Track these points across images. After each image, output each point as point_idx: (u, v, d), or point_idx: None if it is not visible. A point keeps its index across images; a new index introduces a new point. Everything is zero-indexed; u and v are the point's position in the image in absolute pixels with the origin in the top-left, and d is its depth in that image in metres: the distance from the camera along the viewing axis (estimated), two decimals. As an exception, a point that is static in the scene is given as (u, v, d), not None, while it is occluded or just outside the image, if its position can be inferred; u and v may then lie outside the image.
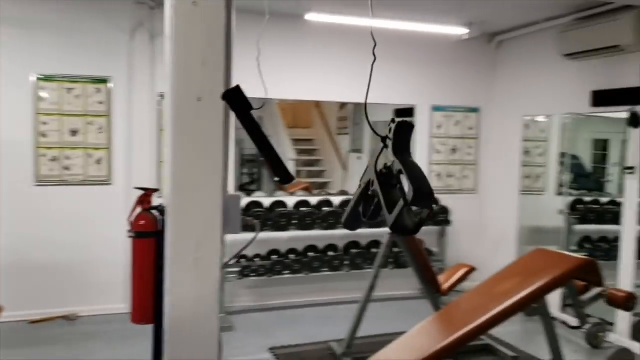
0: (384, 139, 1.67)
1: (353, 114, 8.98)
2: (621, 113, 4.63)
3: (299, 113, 10.16)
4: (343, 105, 8.87)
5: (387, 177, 1.67)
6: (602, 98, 4.85)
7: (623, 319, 4.61)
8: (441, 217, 5.85)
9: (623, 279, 4.58)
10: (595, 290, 3.55)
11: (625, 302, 3.34)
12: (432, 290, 4.21)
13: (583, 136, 5.96)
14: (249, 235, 2.43)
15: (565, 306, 5.18)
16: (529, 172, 6.03)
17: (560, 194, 6.00)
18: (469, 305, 3.42)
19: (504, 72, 6.10)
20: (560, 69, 5.24)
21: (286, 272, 5.46)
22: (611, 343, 4.51)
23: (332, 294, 5.68)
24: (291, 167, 8.61)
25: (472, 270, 4.42)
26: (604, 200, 5.93)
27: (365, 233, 5.66)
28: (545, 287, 3.24)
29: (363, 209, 1.73)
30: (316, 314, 5.36)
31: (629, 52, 4.45)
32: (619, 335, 4.61)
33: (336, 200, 5.69)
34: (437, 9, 4.92)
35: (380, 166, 1.74)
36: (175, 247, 1.86)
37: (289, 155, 8.87)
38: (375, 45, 2.03)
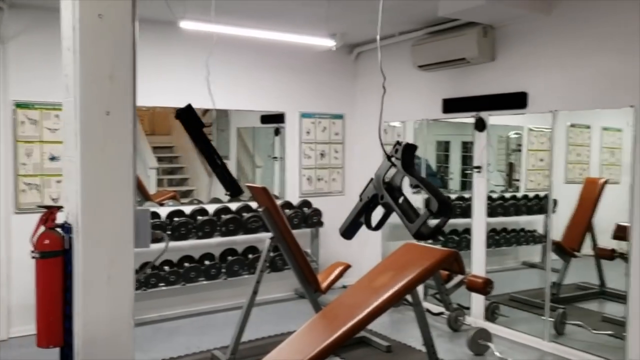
0: (389, 158, 1.82)
1: (216, 121, 8.96)
2: (467, 118, 5.21)
3: (157, 119, 9.88)
4: (206, 111, 8.80)
5: (391, 191, 1.82)
6: (451, 105, 5.39)
7: (478, 303, 5.16)
8: (314, 219, 6.09)
9: (476, 267, 5.12)
10: (457, 278, 3.96)
11: (484, 286, 3.77)
12: (312, 290, 4.39)
13: (429, 139, 6.50)
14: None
15: (427, 295, 5.67)
16: (389, 173, 6.50)
17: (416, 192, 6.54)
18: (350, 300, 3.63)
19: (364, 81, 6.51)
20: (415, 79, 5.72)
21: (161, 284, 5.34)
22: (469, 325, 5.01)
23: (210, 303, 5.66)
24: (153, 175, 8.37)
25: (347, 267, 4.68)
26: (453, 196, 6.56)
27: (241, 239, 5.72)
28: (418, 278, 3.54)
29: (366, 220, 1.88)
30: (195, 324, 5.31)
31: (474, 64, 5.00)
32: (475, 318, 5.15)
33: (210, 208, 5.67)
34: (303, 20, 5.14)
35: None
36: (87, 264, 1.80)
37: (150, 164, 8.61)
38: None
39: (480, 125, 5.06)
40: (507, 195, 6.10)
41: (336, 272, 4.59)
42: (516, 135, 6.12)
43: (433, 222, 2.05)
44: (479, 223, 5.24)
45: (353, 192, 6.61)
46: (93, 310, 1.83)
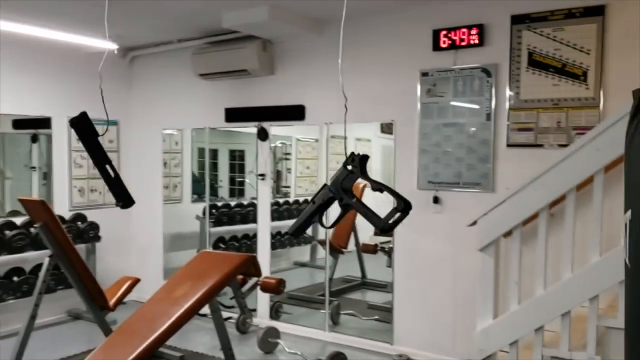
0: (346, 166, 2.06)
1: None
2: (249, 128, 5.43)
3: None
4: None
5: (348, 195, 2.06)
6: (234, 114, 5.54)
7: (263, 304, 5.40)
8: (90, 233, 5.67)
9: (262, 269, 5.34)
10: (252, 281, 4.12)
11: (278, 286, 3.99)
12: (98, 308, 4.13)
13: (198, 146, 6.53)
14: None
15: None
16: (167, 182, 6.39)
17: (195, 201, 6.57)
18: (150, 314, 3.52)
19: (140, 86, 6.29)
20: (196, 87, 5.73)
21: None
22: (256, 326, 5.22)
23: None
24: None
25: (137, 281, 4.50)
26: (233, 204, 6.75)
27: (31, 257, 5.10)
28: (219, 284, 3.61)
29: (319, 220, 2.03)
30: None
31: (255, 75, 5.23)
32: (261, 319, 5.38)
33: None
34: (73, 19, 4.76)
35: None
36: None
37: None
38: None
39: (263, 134, 5.32)
40: (281, 200, 6.47)
41: (124, 287, 4.38)
42: (281, 145, 6.55)
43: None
44: (264, 227, 5.50)
45: (130, 202, 6.34)
46: None
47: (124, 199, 2.00)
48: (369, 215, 1.96)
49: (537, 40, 3.94)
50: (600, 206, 2.84)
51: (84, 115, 1.95)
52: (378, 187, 1.96)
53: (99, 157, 1.99)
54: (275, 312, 5.46)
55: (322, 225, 2.12)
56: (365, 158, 2.05)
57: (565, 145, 3.78)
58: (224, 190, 6.87)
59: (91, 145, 1.96)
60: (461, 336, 4.26)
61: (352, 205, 2.02)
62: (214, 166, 6.91)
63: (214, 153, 6.88)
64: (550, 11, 3.89)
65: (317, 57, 4.98)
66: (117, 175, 2.06)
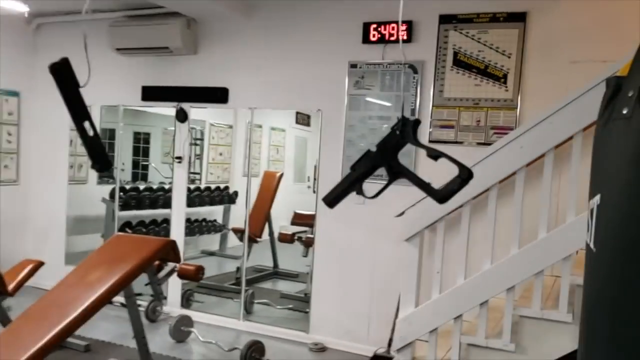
0: (399, 131, 1.80)
1: None
2: (168, 108, 5.22)
3: None
4: None
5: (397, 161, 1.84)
6: (151, 93, 5.30)
7: (174, 292, 5.22)
8: (-17, 212, 5.21)
9: (175, 256, 5.17)
10: (169, 267, 3.96)
11: (197, 273, 3.87)
12: (-4, 292, 3.80)
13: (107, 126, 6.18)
14: None
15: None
16: (72, 161, 6.00)
17: (101, 182, 6.23)
18: (61, 299, 3.29)
19: (47, 57, 5.81)
20: (111, 62, 5.41)
21: None
22: (167, 314, 5.04)
23: None
24: None
25: (40, 265, 4.18)
26: (142, 187, 6.47)
27: None
28: (136, 268, 3.44)
29: (359, 190, 1.80)
30: None
31: (178, 54, 5.03)
32: (172, 307, 5.20)
33: None
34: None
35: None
36: None
37: None
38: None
39: (182, 115, 5.13)
40: (191, 187, 6.29)
41: (25, 271, 4.06)
42: (193, 129, 6.37)
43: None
44: (179, 213, 5.32)
45: (31, 181, 5.89)
46: None
47: (101, 162, 1.80)
48: (423, 185, 1.72)
49: (463, 41, 4.09)
50: (521, 200, 2.99)
51: (65, 61, 1.73)
52: (435, 153, 1.79)
53: (78, 111, 1.76)
54: (186, 301, 5.30)
55: (363, 195, 1.84)
56: (417, 123, 1.85)
57: (483, 144, 3.95)
58: (126, 174, 6.57)
59: (71, 96, 1.73)
60: (376, 325, 4.35)
61: (404, 173, 1.79)
62: (110, 147, 6.60)
63: (111, 133, 6.55)
64: (477, 14, 4.05)
65: (244, 40, 4.87)
66: (96, 134, 1.87)
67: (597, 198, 0.97)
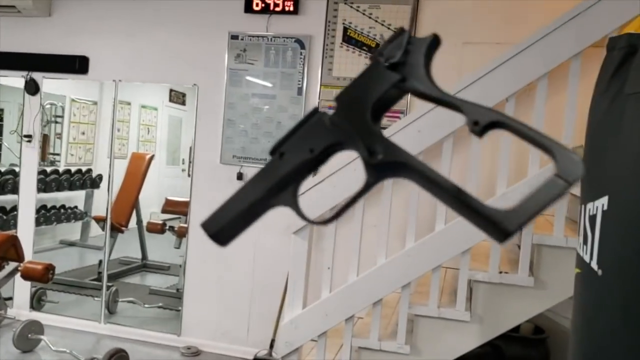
0: (378, 60, 0.61)
1: None
2: (16, 77, 4.45)
3: None
4: None
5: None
6: (-7, 59, 4.49)
7: (22, 292, 4.50)
8: None
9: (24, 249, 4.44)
10: (10, 267, 3.31)
11: (45, 273, 3.26)
12: None
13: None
14: None
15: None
16: None
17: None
18: None
19: None
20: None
21: None
22: (13, 318, 4.31)
23: None
24: None
25: None
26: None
27: None
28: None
29: (291, 203, 0.51)
30: None
31: (27, 15, 4.28)
32: (19, 309, 4.48)
33: None
34: None
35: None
36: None
37: None
38: None
39: (33, 87, 4.38)
40: (49, 169, 5.57)
41: None
42: (51, 106, 5.62)
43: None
44: (28, 200, 4.58)
45: None
46: None
47: None
48: (466, 201, 0.53)
49: (353, 16, 3.80)
50: (417, 191, 2.75)
51: None
52: (495, 118, 0.54)
53: None
54: (37, 301, 4.60)
55: (302, 216, 0.63)
56: (436, 42, 0.62)
57: (374, 128, 3.70)
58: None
59: None
60: (256, 324, 3.99)
61: (409, 167, 0.56)
62: None
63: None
64: (368, -14, 3.77)
65: (107, 1, 4.23)
66: None
67: (603, 201, 0.66)
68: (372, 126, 0.57)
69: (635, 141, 0.65)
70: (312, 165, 0.61)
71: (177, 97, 6.10)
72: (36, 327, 3.91)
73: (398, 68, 0.59)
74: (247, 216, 0.62)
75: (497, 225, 0.49)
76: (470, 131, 0.51)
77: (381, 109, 0.59)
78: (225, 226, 0.63)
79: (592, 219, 0.71)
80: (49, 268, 3.29)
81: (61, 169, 6.18)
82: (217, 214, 0.63)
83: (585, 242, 0.73)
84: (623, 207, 0.66)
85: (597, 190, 0.71)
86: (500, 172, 2.63)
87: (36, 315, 4.32)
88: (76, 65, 4.28)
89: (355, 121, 0.58)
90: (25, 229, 4.54)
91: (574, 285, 0.78)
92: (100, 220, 5.56)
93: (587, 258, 0.71)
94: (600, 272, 0.68)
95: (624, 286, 0.66)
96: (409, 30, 0.60)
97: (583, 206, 0.76)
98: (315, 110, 0.61)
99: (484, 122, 0.52)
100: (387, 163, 0.56)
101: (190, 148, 4.27)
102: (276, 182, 0.60)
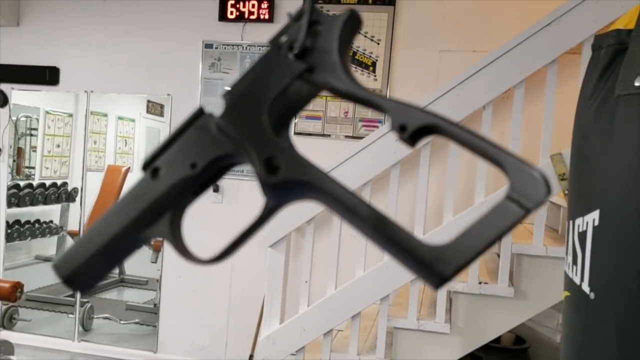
0: (278, 45, 0.45)
1: None
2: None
3: None
4: None
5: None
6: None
7: (-9, 310, 4.36)
8: None
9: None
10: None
11: (13, 291, 3.13)
12: None
13: None
14: None
15: None
16: None
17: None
18: None
19: None
20: None
21: None
22: (-19, 338, 4.17)
23: None
24: None
25: None
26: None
27: None
28: None
29: (174, 233, 0.45)
30: None
31: (-6, 25, 4.17)
32: (-11, 328, 4.34)
33: None
34: None
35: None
36: None
37: None
38: None
39: (2, 99, 4.26)
40: (23, 183, 5.46)
41: None
42: (25, 118, 5.50)
43: None
44: (-3, 215, 4.44)
45: None
46: None
47: None
48: (388, 231, 0.38)
49: (330, 25, 3.75)
50: (396, 199, 2.70)
51: None
52: (426, 120, 0.40)
53: None
54: (8, 320, 4.46)
55: (188, 254, 0.48)
56: (354, 20, 0.44)
57: (351, 137, 3.66)
58: None
59: None
60: (235, 339, 3.90)
61: (315, 185, 0.41)
62: None
63: None
64: (344, -6, 3.74)
65: (79, 11, 4.15)
66: None
67: (593, 216, 0.60)
68: (271, 133, 0.43)
69: (628, 148, 0.59)
70: (196, 184, 0.46)
71: (155, 108, 6.00)
72: (6, 347, 3.77)
73: (304, 55, 0.44)
74: (110, 254, 0.45)
75: (429, 268, 0.36)
76: (398, 138, 0.39)
77: (288, 111, 0.44)
78: (81, 268, 0.45)
79: (582, 235, 0.64)
80: (17, 286, 3.16)
81: (36, 182, 6.05)
82: (71, 252, 0.46)
83: (574, 261, 0.67)
84: (616, 222, 0.60)
85: (587, 204, 0.65)
86: (448, 195, 2.60)
87: (7, 335, 4.17)
88: (46, 76, 4.18)
89: (246, 127, 0.43)
90: (-5, 245, 4.41)
91: (562, 311, 0.72)
92: (75, 235, 5.44)
93: (577, 280, 0.65)
94: (592, 296, 0.62)
95: (619, 311, 0.60)
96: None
97: (571, 222, 0.70)
98: (200, 112, 0.46)
99: (414, 127, 0.39)
100: (288, 182, 0.42)
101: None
102: (146, 208, 0.45)
